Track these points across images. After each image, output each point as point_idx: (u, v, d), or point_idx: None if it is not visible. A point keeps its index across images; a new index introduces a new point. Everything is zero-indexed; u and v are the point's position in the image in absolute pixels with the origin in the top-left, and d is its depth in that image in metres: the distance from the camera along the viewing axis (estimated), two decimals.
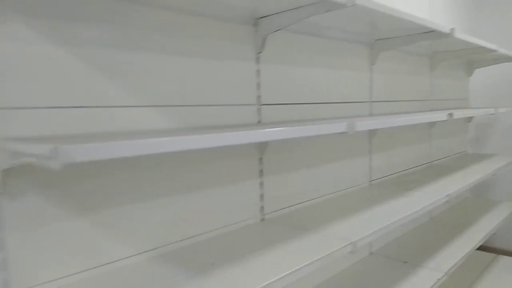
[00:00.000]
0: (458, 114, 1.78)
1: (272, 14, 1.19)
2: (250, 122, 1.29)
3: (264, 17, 1.23)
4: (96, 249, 0.94)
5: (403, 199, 1.58)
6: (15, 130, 0.81)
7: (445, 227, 2.29)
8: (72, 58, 0.89)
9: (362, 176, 1.84)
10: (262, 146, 1.33)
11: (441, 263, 1.76)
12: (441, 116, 1.59)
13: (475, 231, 2.18)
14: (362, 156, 1.83)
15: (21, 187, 0.82)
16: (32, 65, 0.83)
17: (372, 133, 1.88)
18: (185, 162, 1.11)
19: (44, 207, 0.86)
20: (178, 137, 0.68)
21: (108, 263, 0.96)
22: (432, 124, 2.44)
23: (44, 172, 0.85)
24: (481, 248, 2.77)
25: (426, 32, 1.62)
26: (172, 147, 0.66)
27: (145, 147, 0.59)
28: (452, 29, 1.65)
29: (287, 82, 1.42)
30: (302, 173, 1.51)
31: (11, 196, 0.81)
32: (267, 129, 0.90)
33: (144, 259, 1.02)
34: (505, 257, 2.67)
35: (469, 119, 2.95)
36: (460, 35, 1.73)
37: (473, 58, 2.63)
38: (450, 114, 1.66)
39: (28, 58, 0.83)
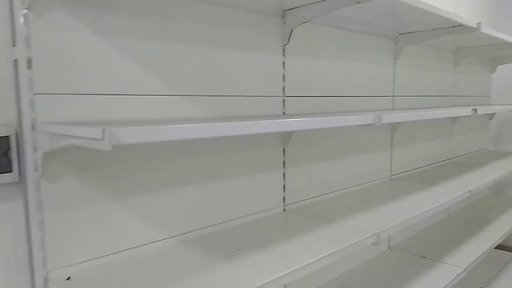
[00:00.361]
0: (482, 109, 1.76)
1: (300, 6, 1.20)
2: (276, 113, 1.31)
3: (292, 8, 1.23)
4: (128, 232, 0.97)
5: (424, 194, 1.57)
6: (54, 115, 0.84)
7: (463, 224, 2.27)
8: (109, 47, 0.92)
9: (383, 171, 1.84)
10: (286, 138, 1.34)
11: (460, 260, 1.75)
12: (465, 111, 1.58)
13: (494, 229, 2.16)
14: (383, 150, 1.83)
15: (59, 170, 0.85)
16: (72, 53, 0.86)
17: (394, 127, 1.88)
18: (213, 151, 1.13)
19: (79, 189, 0.89)
20: (215, 124, 0.70)
21: (139, 246, 0.99)
22: (453, 120, 2.42)
23: (81, 156, 0.88)
24: (499, 246, 2.74)
25: (452, 26, 1.61)
26: (209, 133, 0.68)
27: (187, 132, 0.61)
28: (479, 23, 1.63)
29: (310, 75, 1.43)
30: (324, 166, 1.52)
31: (49, 179, 0.84)
32: (294, 119, 0.91)
33: (173, 243, 1.05)
34: None
35: (491, 116, 2.90)
36: (486, 29, 1.71)
37: (497, 54, 2.59)
38: (475, 110, 1.64)
39: (68, 46, 0.85)
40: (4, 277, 0.84)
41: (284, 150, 1.35)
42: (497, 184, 2.99)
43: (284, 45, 1.31)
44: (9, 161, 0.82)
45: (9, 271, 0.84)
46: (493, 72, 2.89)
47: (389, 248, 1.92)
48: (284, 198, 1.37)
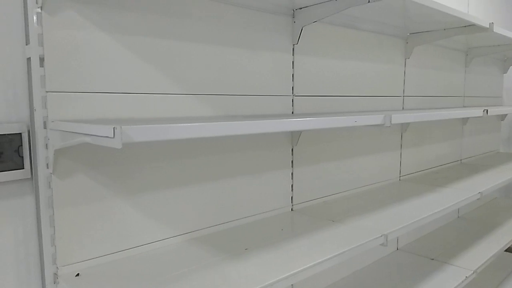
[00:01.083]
0: (493, 110, 1.74)
1: (310, 5, 1.19)
2: (285, 113, 1.31)
3: (302, 7, 1.23)
4: (137, 230, 0.98)
5: (434, 195, 1.56)
6: (65, 113, 0.85)
7: (473, 227, 2.25)
8: (120, 45, 0.92)
9: (392, 171, 1.83)
10: (294, 137, 1.34)
11: (469, 262, 1.73)
12: (476, 112, 1.56)
13: (504, 232, 2.14)
14: (392, 151, 1.81)
15: (70, 167, 0.86)
16: (83, 51, 0.87)
17: (403, 128, 1.86)
18: (222, 150, 1.14)
19: (90, 187, 0.90)
20: (224, 123, 0.70)
21: (147, 244, 1.00)
22: (464, 121, 2.39)
23: (92, 153, 0.89)
24: (509, 249, 2.71)
25: (464, 26, 1.59)
26: (218, 132, 0.68)
27: (197, 131, 0.61)
28: (491, 23, 1.61)
29: (320, 74, 1.42)
30: (332, 166, 1.51)
31: (60, 176, 0.85)
32: (303, 119, 0.91)
33: (181, 241, 1.06)
34: None
35: (502, 117, 2.87)
36: (499, 29, 1.69)
37: (509, 54, 2.55)
38: (486, 111, 1.62)
39: (79, 44, 0.86)
40: (15, 272, 0.85)
41: (292, 149, 1.35)
42: (507, 187, 2.95)
43: (294, 44, 1.30)
44: (21, 158, 0.83)
45: (20, 266, 0.85)
46: (505, 73, 2.85)
47: (397, 249, 1.91)
48: (292, 197, 1.37)
